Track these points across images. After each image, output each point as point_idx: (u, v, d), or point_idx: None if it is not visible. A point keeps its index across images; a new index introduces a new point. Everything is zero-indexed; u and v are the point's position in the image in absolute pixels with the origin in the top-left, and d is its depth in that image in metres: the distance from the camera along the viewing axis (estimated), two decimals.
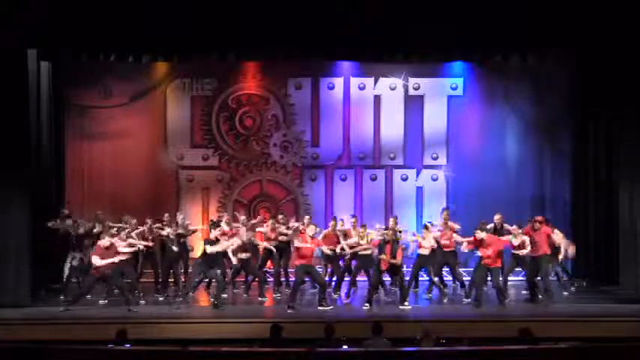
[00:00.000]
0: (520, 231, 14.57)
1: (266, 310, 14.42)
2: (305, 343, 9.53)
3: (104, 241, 13.92)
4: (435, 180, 17.93)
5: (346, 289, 14.98)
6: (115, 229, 14.63)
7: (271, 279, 15.88)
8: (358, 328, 11.65)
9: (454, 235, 14.96)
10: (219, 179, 17.89)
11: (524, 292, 14.96)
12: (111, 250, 13.86)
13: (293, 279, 15.45)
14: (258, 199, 17.92)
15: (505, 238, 14.57)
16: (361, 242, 14.55)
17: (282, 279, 15.87)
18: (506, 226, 15.00)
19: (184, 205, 17.68)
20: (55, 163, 16.65)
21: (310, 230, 14.36)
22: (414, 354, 8.92)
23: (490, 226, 14.88)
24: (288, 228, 15.77)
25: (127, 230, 14.73)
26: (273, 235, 15.56)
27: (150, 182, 17.60)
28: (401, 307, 13.92)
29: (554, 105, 17.55)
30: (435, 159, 17.91)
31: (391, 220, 15.39)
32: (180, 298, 14.26)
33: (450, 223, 15.19)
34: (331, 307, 13.99)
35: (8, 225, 14.07)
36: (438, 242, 14.87)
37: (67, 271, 15.04)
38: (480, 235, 14.10)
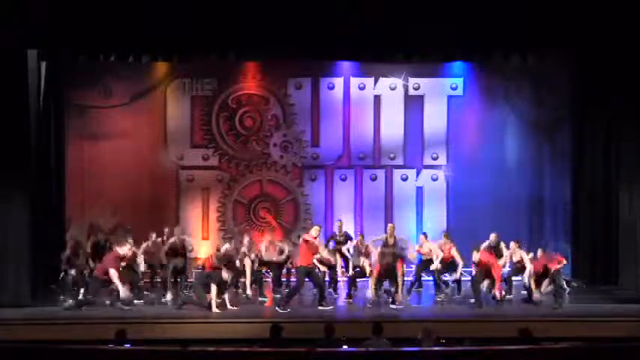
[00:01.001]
0: (517, 246, 14.60)
1: (266, 310, 14.43)
2: (305, 343, 9.54)
3: (123, 250, 13.88)
4: (435, 180, 17.92)
5: (346, 289, 14.98)
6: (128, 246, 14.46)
7: (269, 279, 15.87)
8: (358, 328, 11.65)
9: (453, 250, 14.90)
10: (219, 179, 17.87)
11: (523, 292, 14.95)
12: (124, 260, 13.86)
13: (294, 279, 15.49)
14: (258, 199, 17.91)
15: (502, 259, 14.56)
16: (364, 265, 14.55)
17: (283, 279, 15.86)
18: (503, 246, 14.90)
19: (184, 205, 17.67)
20: (55, 163, 16.64)
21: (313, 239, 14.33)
22: (414, 354, 8.91)
23: (485, 244, 14.80)
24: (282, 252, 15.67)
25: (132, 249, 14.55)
26: (270, 250, 15.50)
27: (150, 182, 17.58)
28: (392, 306, 13.88)
29: (554, 105, 17.55)
30: (435, 159, 17.90)
31: (389, 228, 15.16)
32: (181, 301, 14.23)
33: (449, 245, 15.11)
34: (331, 307, 14.00)
35: (8, 225, 14.07)
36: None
37: (64, 273, 15.01)
38: (476, 256, 14.10)
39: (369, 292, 14.00)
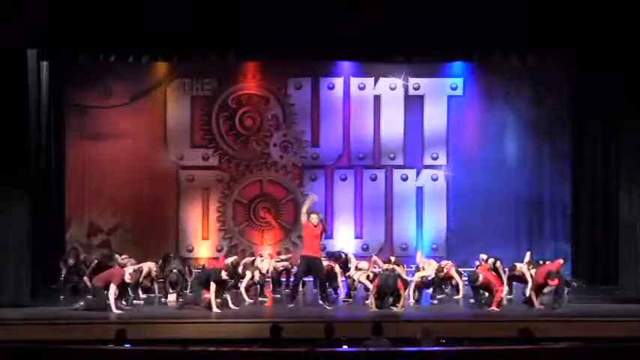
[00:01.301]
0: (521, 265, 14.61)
1: (266, 310, 14.43)
2: (305, 343, 9.54)
3: (128, 271, 13.90)
4: (435, 180, 17.91)
5: (346, 289, 14.97)
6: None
7: (269, 279, 15.85)
8: (358, 328, 11.64)
9: (452, 270, 14.83)
10: (219, 179, 17.86)
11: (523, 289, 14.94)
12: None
13: (293, 279, 15.49)
14: (258, 199, 17.90)
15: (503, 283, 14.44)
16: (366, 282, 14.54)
17: (283, 279, 15.85)
18: (500, 267, 14.83)
19: (184, 205, 17.67)
20: (55, 163, 16.64)
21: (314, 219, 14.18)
22: (414, 354, 8.91)
23: (483, 259, 14.80)
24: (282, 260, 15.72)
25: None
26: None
27: (150, 182, 17.58)
28: (392, 307, 13.86)
29: (554, 105, 17.54)
30: (435, 159, 17.89)
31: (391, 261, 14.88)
32: (182, 300, 14.23)
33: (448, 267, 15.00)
34: (331, 307, 13.95)
35: (8, 225, 14.06)
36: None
37: (63, 270, 15.02)
38: (475, 276, 14.07)
39: (370, 304, 13.95)
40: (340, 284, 14.94)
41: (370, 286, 14.21)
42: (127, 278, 13.67)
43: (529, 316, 13.32)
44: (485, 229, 17.19)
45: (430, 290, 14.84)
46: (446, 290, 15.14)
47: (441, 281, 14.86)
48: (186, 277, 15.19)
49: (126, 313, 13.46)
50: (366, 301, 14.12)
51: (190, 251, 17.24)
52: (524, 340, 9.60)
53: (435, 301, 14.70)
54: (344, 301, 14.78)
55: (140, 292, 14.71)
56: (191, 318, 13.42)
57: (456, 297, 14.87)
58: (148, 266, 14.75)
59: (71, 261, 15.01)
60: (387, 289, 13.78)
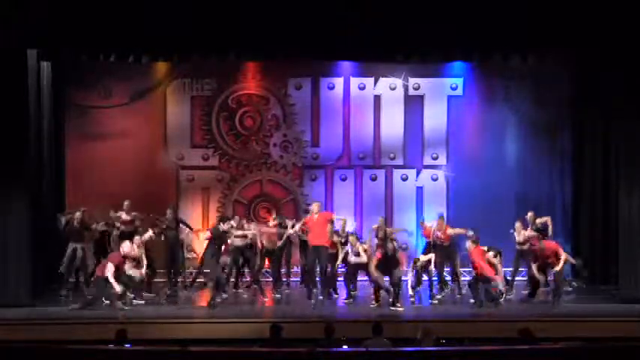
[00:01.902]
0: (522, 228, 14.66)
1: (266, 310, 14.43)
2: (305, 343, 9.54)
3: (127, 249, 13.94)
4: (435, 180, 17.93)
5: (346, 289, 14.98)
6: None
7: (270, 279, 15.87)
8: (358, 328, 11.65)
9: (449, 230, 14.96)
10: (219, 179, 17.87)
11: (524, 291, 14.96)
12: (129, 257, 13.90)
13: (294, 279, 15.53)
14: (258, 199, 17.91)
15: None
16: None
17: (283, 279, 15.86)
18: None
19: (184, 205, 17.67)
20: (54, 164, 16.65)
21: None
22: (414, 354, 8.92)
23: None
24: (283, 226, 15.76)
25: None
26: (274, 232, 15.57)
27: (150, 182, 17.57)
28: (392, 308, 13.86)
29: (554, 105, 17.54)
30: (435, 159, 17.90)
31: (380, 220, 15.17)
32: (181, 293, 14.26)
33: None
34: (324, 300, 13.98)
35: (8, 225, 14.08)
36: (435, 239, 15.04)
37: (65, 262, 15.04)
38: (470, 246, 14.12)
39: (373, 301, 14.04)
40: (339, 260, 14.96)
41: (364, 257, 14.32)
42: (126, 249, 13.93)
43: (529, 316, 13.33)
44: (486, 229, 17.07)
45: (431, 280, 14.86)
46: (446, 290, 15.15)
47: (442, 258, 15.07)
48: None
49: (126, 313, 13.47)
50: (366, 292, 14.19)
51: (190, 251, 17.22)
52: (524, 340, 9.60)
53: (435, 301, 14.71)
54: (344, 301, 14.79)
55: (144, 281, 14.73)
56: (191, 318, 13.43)
57: (457, 295, 14.90)
58: (149, 235, 14.86)
59: (78, 214, 15.15)
60: (389, 262, 13.83)
